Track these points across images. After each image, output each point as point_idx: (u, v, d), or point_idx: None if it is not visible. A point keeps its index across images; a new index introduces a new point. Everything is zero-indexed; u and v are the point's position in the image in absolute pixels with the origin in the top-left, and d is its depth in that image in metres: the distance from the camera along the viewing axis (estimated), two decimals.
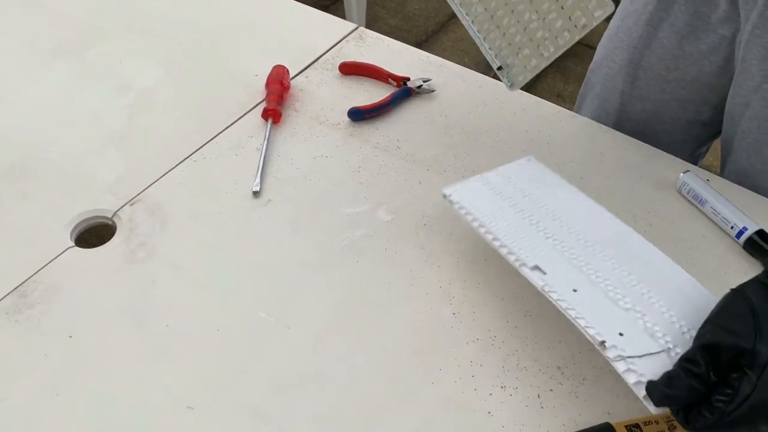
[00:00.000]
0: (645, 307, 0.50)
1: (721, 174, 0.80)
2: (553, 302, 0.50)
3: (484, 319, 0.58)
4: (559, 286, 0.51)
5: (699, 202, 0.67)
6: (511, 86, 0.65)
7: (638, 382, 0.46)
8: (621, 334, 0.48)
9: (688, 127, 0.81)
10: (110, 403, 0.52)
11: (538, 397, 0.53)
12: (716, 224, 0.65)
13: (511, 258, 0.53)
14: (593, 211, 0.59)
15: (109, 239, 0.63)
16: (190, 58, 0.82)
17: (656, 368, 0.46)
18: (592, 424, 0.50)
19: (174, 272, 0.60)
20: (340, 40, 0.85)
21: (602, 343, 0.47)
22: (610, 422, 0.50)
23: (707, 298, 0.51)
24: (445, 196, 0.60)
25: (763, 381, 0.43)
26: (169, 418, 0.51)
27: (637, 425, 0.50)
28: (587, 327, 0.48)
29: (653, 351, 0.47)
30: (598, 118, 0.84)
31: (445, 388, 0.53)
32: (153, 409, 0.52)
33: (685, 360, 0.46)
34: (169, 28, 0.87)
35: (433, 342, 0.56)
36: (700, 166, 0.90)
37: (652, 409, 0.45)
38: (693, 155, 0.86)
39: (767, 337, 0.44)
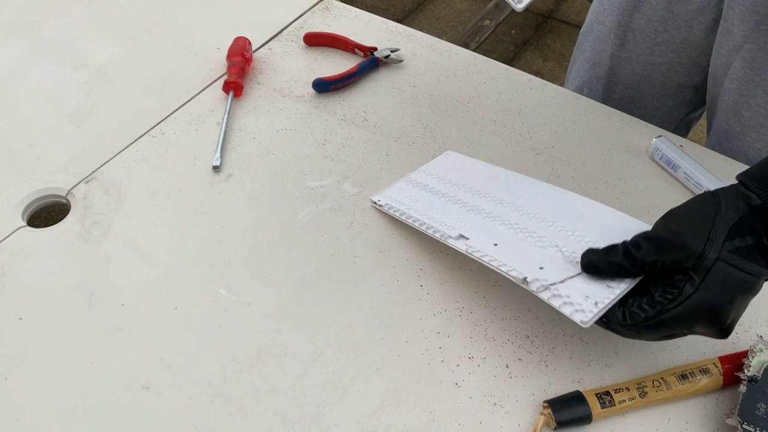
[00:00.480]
0: (562, 240, 0.52)
1: (707, 138, 0.79)
2: (478, 260, 0.53)
3: (451, 290, 0.56)
4: (481, 245, 0.54)
5: (671, 168, 0.65)
6: (519, 2, 0.63)
7: (564, 304, 0.47)
8: (541, 268, 0.50)
9: (679, 92, 0.80)
10: (63, 386, 0.50)
11: (507, 367, 0.51)
12: (689, 189, 0.64)
13: (437, 235, 0.57)
14: (513, 179, 0.62)
15: (63, 218, 0.60)
16: (149, 31, 0.79)
17: (579, 289, 0.48)
18: (563, 393, 0.49)
19: (130, 251, 0.58)
20: (306, 11, 0.82)
21: (524, 279, 0.49)
22: (581, 391, 0.49)
23: (626, 220, 0.53)
24: (373, 203, 0.62)
25: (706, 284, 0.44)
26: (124, 399, 0.49)
27: (607, 392, 0.48)
28: (510, 271, 0.50)
29: (573, 274, 0.49)
30: (589, 82, 0.83)
31: (412, 361, 0.52)
32: (108, 391, 0.50)
33: (630, 243, 0.47)
34: (128, 1, 0.83)
35: (400, 314, 0.54)
36: (692, 132, 0.89)
37: (577, 319, 0.46)
38: (685, 120, 0.84)
39: (717, 243, 0.45)
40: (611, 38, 0.78)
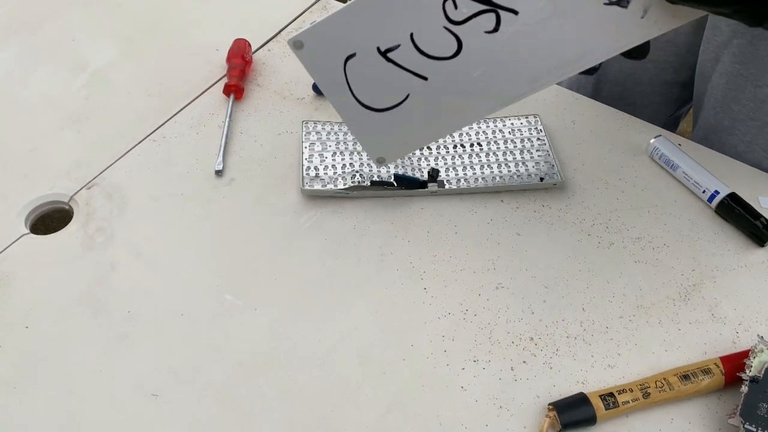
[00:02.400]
0: None
1: (693, 132, 0.79)
2: None
3: (455, 293, 0.56)
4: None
5: (670, 167, 0.66)
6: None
7: None
8: None
9: (667, 89, 0.80)
10: (71, 394, 0.50)
11: (512, 369, 0.52)
12: (688, 189, 0.65)
13: None
14: None
15: (66, 225, 0.60)
16: (147, 33, 0.79)
17: None
18: (566, 395, 0.50)
19: (134, 257, 0.58)
20: (304, 11, 0.82)
21: None
22: (585, 392, 0.50)
23: None
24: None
25: None
26: (133, 407, 0.50)
27: (611, 394, 0.49)
28: None
29: None
30: (578, 81, 0.83)
31: (418, 365, 0.52)
32: (116, 399, 0.50)
33: None
34: (125, 2, 0.83)
35: (404, 318, 0.55)
36: (678, 129, 0.89)
37: None
38: (673, 117, 0.85)
39: None
40: None
